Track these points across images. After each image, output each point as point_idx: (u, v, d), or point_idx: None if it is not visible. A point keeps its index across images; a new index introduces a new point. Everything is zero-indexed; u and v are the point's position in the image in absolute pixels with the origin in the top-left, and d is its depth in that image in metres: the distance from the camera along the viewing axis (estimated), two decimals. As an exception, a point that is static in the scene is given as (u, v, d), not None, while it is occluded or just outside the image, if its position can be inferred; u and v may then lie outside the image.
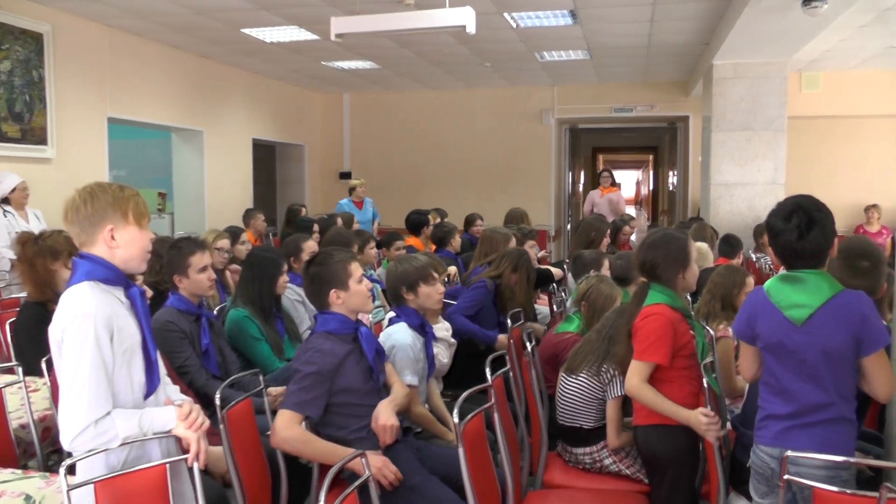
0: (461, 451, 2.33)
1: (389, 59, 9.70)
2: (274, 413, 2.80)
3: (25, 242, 3.83)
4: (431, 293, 3.48)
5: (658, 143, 19.25)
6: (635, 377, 2.89)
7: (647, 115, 11.59)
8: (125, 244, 2.15)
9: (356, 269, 2.94)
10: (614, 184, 10.40)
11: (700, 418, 2.74)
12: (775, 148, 8.42)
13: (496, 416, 2.67)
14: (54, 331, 2.05)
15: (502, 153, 11.94)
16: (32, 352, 3.50)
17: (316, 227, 6.66)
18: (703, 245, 5.44)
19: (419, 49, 9.02)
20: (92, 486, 1.98)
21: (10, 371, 3.42)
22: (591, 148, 19.67)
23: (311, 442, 2.68)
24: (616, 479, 3.24)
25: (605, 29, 7.90)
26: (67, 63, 7.22)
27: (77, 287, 2.08)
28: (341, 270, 2.89)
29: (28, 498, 2.19)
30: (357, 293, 2.90)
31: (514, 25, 7.68)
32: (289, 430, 2.65)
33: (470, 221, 7.89)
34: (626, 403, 3.21)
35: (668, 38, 8.32)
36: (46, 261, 3.74)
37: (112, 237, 2.13)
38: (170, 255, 3.48)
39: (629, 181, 37.78)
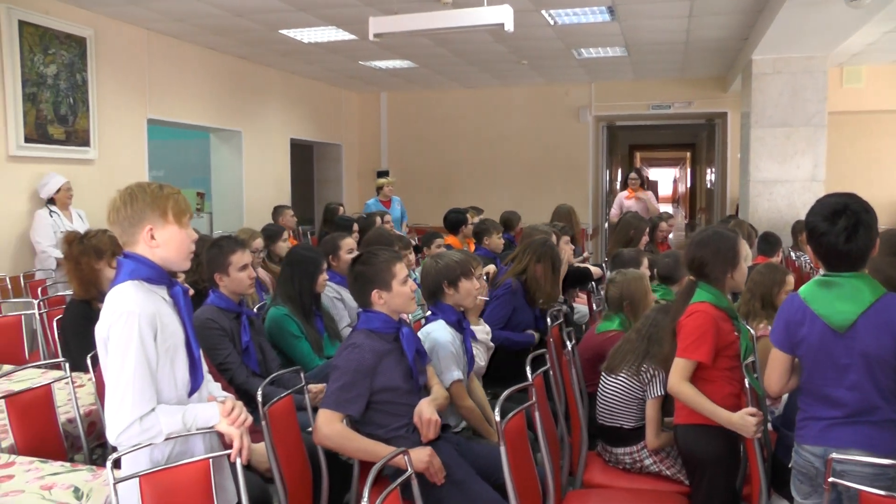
0: (503, 448, 2.32)
1: (427, 58, 9.71)
2: (315, 410, 2.82)
3: (71, 242, 3.89)
4: (471, 289, 3.47)
5: (696, 140, 19.03)
6: (676, 375, 2.86)
7: (684, 111, 11.46)
8: (164, 243, 2.17)
9: (401, 269, 2.93)
10: (644, 185, 9.89)
11: (747, 419, 2.69)
12: (815, 144, 8.27)
13: (537, 414, 2.65)
14: (100, 329, 2.08)
15: (539, 151, 11.89)
16: (78, 348, 3.56)
17: (355, 226, 6.67)
18: (744, 243, 5.36)
19: (456, 48, 9.02)
20: (137, 479, 2.01)
21: (58, 367, 3.50)
22: (628, 145, 19.54)
23: (353, 439, 2.69)
24: (656, 479, 3.21)
25: (643, 25, 7.83)
26: (109, 66, 7.36)
27: (121, 286, 2.11)
28: (385, 271, 2.88)
29: (77, 490, 2.23)
30: (399, 294, 2.89)
31: (552, 23, 7.64)
32: (330, 426, 2.67)
33: (511, 221, 7.83)
34: (668, 403, 3.18)
35: (707, 34, 8.21)
36: (91, 260, 3.79)
37: (152, 237, 2.15)
38: (211, 254, 3.52)
39: (666, 179, 37.37)
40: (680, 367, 2.85)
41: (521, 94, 11.96)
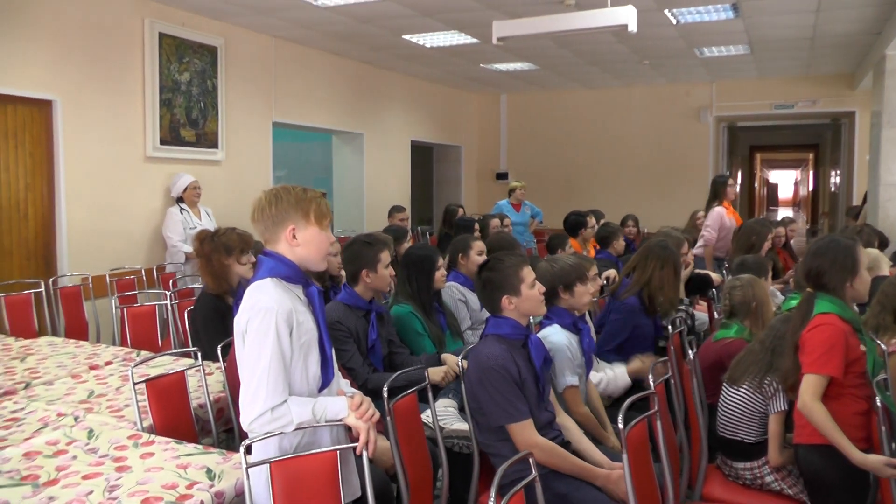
0: (625, 457, 2.28)
1: (547, 60, 9.67)
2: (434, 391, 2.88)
3: (203, 240, 4.08)
4: (584, 293, 3.46)
5: (820, 141, 18.14)
6: (807, 393, 2.71)
7: (809, 111, 10.90)
8: (305, 243, 2.25)
9: (528, 273, 2.93)
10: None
11: (885, 469, 2.54)
12: (955, 145, 7.66)
13: (658, 423, 2.59)
14: (239, 322, 2.18)
15: (659, 152, 11.60)
16: (208, 338, 3.74)
17: (476, 227, 6.71)
18: (874, 251, 5.03)
19: (578, 49, 8.93)
20: (267, 465, 2.10)
21: (188, 355, 3.69)
22: (749, 146, 18.79)
23: (563, 455, 2.74)
24: (777, 497, 3.07)
25: (768, 21, 7.51)
26: (237, 72, 7.70)
27: (261, 283, 2.21)
28: (513, 276, 2.89)
29: (209, 471, 2.34)
30: (529, 298, 2.90)
31: (675, 22, 7.45)
32: (534, 438, 2.68)
33: (623, 223, 7.72)
34: (788, 418, 3.04)
35: (835, 28, 7.78)
36: (221, 256, 3.98)
37: (293, 236, 2.24)
38: (358, 250, 3.59)
39: (787, 181, 35.76)
40: (811, 384, 2.71)
41: (641, 95, 11.71)
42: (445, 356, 3.64)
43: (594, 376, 3.66)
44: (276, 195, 2.25)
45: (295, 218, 2.24)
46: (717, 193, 6.87)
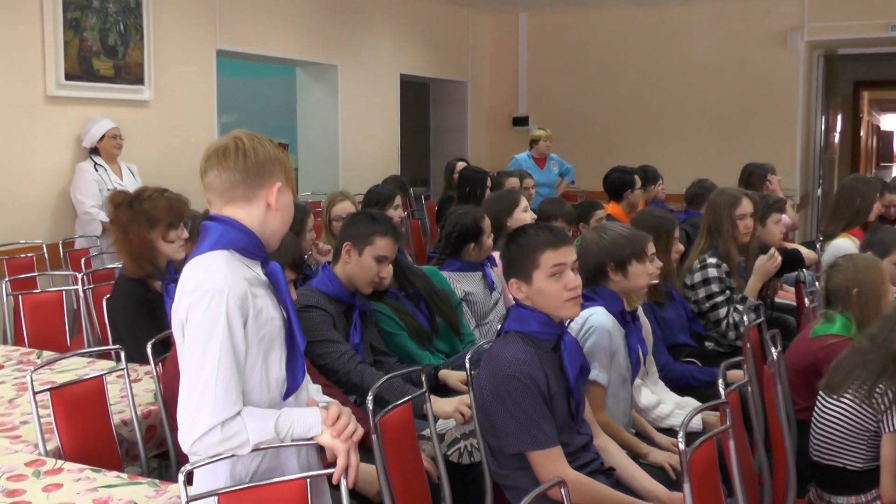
0: (687, 488, 2.29)
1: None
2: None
3: (119, 204, 4.04)
4: (641, 273, 3.47)
5: (955, 74, 18.11)
6: None
7: (941, 32, 10.85)
8: (283, 208, 2.29)
9: (551, 257, 2.79)
10: None
11: None
12: None
13: (731, 444, 2.60)
14: (178, 308, 2.18)
15: (729, 90, 11.49)
16: (131, 335, 3.76)
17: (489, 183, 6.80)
18: None
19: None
20: (215, 498, 2.11)
21: (107, 356, 3.72)
22: (853, 82, 18.73)
23: (603, 493, 2.76)
24: (892, 543, 3.12)
25: None
26: (170, -17, 7.66)
27: (207, 256, 2.19)
28: (525, 257, 2.82)
29: (137, 508, 2.37)
30: (541, 292, 2.81)
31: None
32: (563, 471, 2.66)
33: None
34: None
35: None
36: (141, 229, 3.94)
37: (276, 197, 2.26)
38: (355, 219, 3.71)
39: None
40: None
41: (706, 13, 11.61)
42: (445, 373, 3.65)
43: (650, 397, 3.69)
44: (259, 141, 2.27)
45: (280, 175, 2.27)
46: (749, 185, 6.89)
